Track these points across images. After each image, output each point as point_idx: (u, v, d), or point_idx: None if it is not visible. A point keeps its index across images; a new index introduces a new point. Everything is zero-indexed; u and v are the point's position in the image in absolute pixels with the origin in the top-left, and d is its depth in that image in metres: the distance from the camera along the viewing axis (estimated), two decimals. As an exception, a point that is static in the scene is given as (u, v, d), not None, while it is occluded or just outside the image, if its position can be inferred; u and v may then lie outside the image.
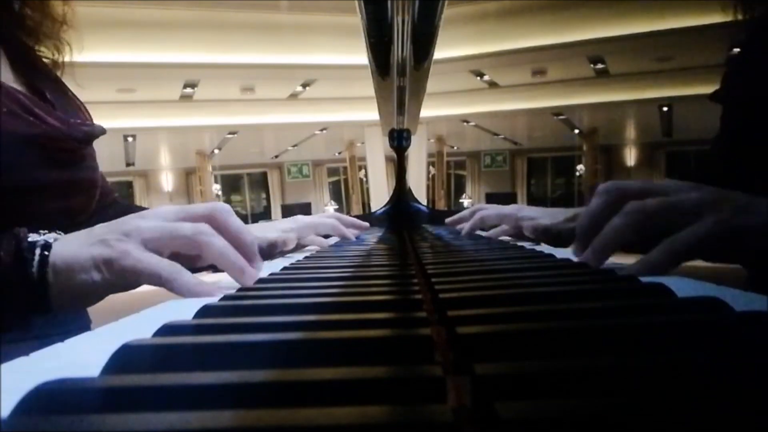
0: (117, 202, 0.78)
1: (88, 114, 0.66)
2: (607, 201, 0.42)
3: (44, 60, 0.67)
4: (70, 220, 0.48)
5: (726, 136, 0.62)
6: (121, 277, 0.40)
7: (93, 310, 0.67)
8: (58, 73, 0.68)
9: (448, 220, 1.00)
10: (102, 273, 0.39)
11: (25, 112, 0.53)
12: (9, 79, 0.58)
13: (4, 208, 0.47)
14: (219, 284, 0.43)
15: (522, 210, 0.79)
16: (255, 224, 0.65)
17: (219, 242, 0.41)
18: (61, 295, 0.40)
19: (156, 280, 0.39)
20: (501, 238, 0.86)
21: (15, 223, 0.43)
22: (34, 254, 0.39)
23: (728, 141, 0.60)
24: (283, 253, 0.71)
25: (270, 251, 0.67)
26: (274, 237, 0.68)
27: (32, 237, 0.40)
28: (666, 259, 0.38)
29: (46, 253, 0.39)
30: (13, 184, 0.50)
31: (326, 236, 0.88)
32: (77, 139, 0.59)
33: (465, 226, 0.88)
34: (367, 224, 0.95)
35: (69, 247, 0.40)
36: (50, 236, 0.41)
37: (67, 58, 0.69)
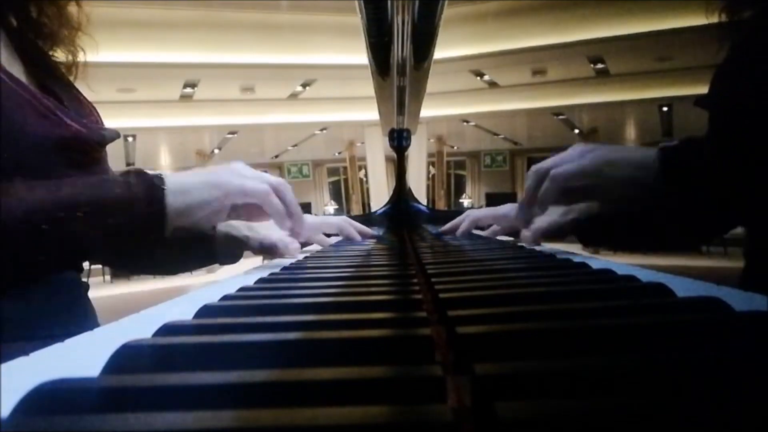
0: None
1: (99, 117, 0.67)
2: (533, 179, 0.58)
3: (59, 64, 0.68)
4: None
5: (714, 140, 0.61)
6: (225, 195, 0.52)
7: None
8: (72, 78, 0.69)
9: (443, 229, 0.94)
10: (210, 192, 0.52)
11: (51, 114, 0.55)
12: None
13: None
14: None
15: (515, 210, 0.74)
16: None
17: (289, 195, 0.57)
18: (177, 214, 0.50)
19: (256, 194, 0.54)
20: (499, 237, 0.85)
21: None
22: (155, 180, 0.50)
23: (717, 145, 0.59)
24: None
25: (270, 251, 0.67)
26: (275, 240, 0.68)
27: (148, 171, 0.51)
28: (553, 187, 0.55)
29: (163, 180, 0.50)
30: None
31: (328, 235, 0.88)
32: (97, 142, 0.61)
33: (461, 227, 0.87)
34: (373, 232, 0.92)
35: (179, 176, 0.52)
36: (157, 172, 0.52)
37: (81, 60, 0.70)
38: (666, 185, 0.49)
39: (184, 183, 0.52)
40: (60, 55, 0.68)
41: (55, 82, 0.64)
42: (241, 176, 0.55)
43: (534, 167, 0.59)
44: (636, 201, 0.53)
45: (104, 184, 0.49)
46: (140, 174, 0.51)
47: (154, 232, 0.50)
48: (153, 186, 0.50)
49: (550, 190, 0.54)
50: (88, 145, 0.59)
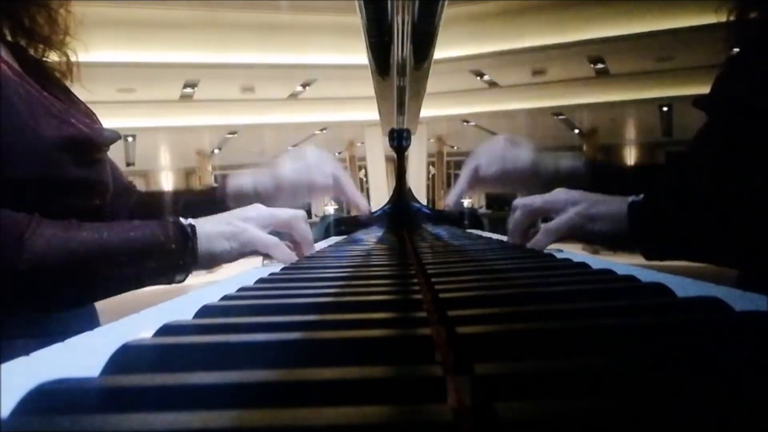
0: (139, 192, 0.80)
1: (98, 120, 0.68)
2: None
3: (53, 70, 0.69)
4: (84, 219, 0.51)
5: (709, 144, 0.61)
6: (242, 245, 0.58)
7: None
8: (68, 82, 0.71)
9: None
10: (230, 242, 0.58)
11: (64, 116, 0.56)
12: None
13: (31, 204, 0.49)
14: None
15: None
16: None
17: (304, 226, 0.64)
18: (203, 257, 0.56)
19: (264, 248, 0.59)
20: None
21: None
22: (188, 230, 0.55)
23: (718, 145, 0.59)
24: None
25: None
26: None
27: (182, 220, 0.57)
28: (545, 239, 0.61)
29: (195, 229, 0.56)
30: (44, 182, 0.53)
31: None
32: (100, 142, 0.63)
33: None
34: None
35: (207, 225, 0.57)
36: (189, 220, 0.57)
37: (74, 62, 0.71)
38: (634, 235, 0.56)
39: (210, 234, 0.57)
40: (53, 60, 0.70)
41: (53, 86, 0.65)
42: (259, 223, 0.60)
43: (526, 209, 0.64)
44: (615, 244, 0.60)
45: (145, 232, 0.53)
46: (177, 224, 0.55)
47: (180, 277, 0.56)
48: (187, 237, 0.55)
49: (542, 242, 0.62)
50: (94, 145, 0.61)
